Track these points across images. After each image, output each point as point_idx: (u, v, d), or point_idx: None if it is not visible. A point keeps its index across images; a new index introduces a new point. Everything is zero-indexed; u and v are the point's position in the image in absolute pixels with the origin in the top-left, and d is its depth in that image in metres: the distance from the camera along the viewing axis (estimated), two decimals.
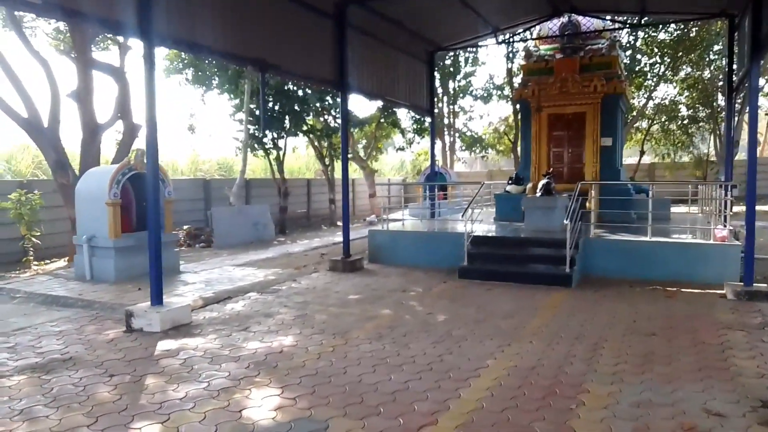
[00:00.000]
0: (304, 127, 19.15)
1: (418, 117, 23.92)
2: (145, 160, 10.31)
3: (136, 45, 16.64)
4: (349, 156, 24.11)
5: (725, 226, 9.46)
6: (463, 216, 9.80)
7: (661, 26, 22.96)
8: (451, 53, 25.58)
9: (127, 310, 6.87)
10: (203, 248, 15.04)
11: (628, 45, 23.59)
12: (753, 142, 8.24)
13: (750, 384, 4.76)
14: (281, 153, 18.80)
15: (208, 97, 19.58)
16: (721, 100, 26.02)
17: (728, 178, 11.00)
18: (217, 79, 18.82)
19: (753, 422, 4.03)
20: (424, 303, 7.99)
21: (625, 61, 20.31)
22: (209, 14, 7.54)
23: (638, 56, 24.40)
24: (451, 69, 26.20)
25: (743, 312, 7.24)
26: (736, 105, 15.99)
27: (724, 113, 24.78)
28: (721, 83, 25.18)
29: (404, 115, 25.57)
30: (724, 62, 23.26)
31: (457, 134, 28.75)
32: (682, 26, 23.01)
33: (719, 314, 7.17)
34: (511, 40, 16.22)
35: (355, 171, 29.89)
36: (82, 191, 10.23)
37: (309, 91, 17.99)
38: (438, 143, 29.01)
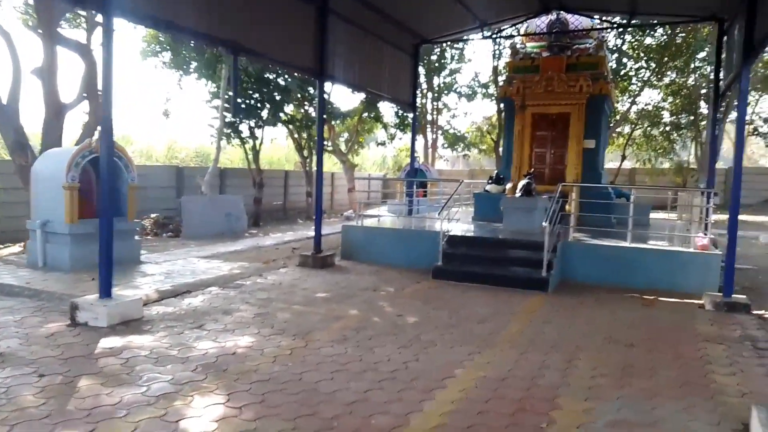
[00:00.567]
0: (283, 117, 18.60)
1: (400, 112, 23.52)
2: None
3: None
4: (329, 149, 23.70)
5: (706, 234, 9.22)
6: (439, 214, 9.42)
7: (648, 30, 22.87)
8: (437, 48, 25.24)
9: (72, 302, 6.36)
10: (171, 238, 14.47)
11: (614, 48, 23.44)
12: (740, 145, 8.00)
13: (731, 404, 4.45)
14: (258, 143, 18.23)
15: (186, 82, 18.86)
16: (703, 108, 26.09)
17: (711, 186, 10.78)
18: (194, 63, 18.19)
19: None
20: (394, 304, 7.60)
21: (611, 64, 20.13)
22: None
23: (624, 60, 24.29)
24: (437, 65, 25.83)
25: (722, 324, 6.98)
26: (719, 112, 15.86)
27: (706, 121, 24.85)
28: (704, 91, 25.23)
29: (387, 110, 25.19)
30: (708, 69, 23.30)
31: (439, 131, 28.41)
32: (669, 31, 22.93)
33: (699, 325, 6.89)
34: (497, 35, 15.88)
35: (335, 165, 29.44)
36: (38, 173, 9.62)
37: (289, 80, 17.44)
38: (420, 140, 28.67)
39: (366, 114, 23.81)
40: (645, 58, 24.38)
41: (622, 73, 24.13)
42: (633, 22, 14.18)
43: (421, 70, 25.76)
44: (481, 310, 7.33)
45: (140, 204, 16.59)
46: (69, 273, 8.93)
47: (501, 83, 17.59)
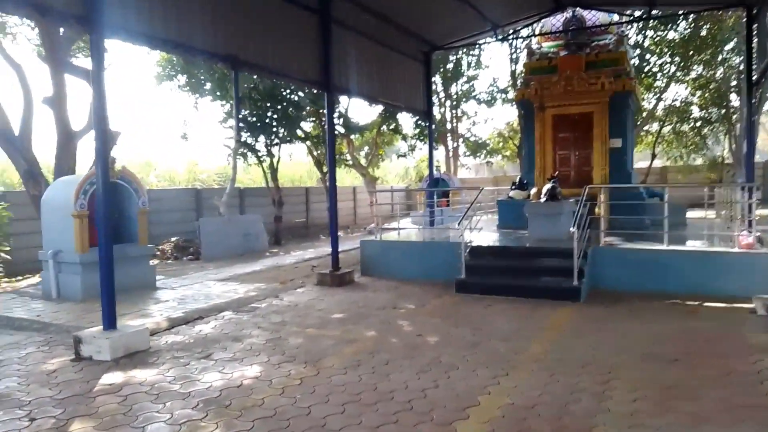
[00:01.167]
0: (300, 134, 18.40)
1: (420, 122, 23.15)
2: (115, 168, 9.71)
3: (112, 47, 15.99)
4: (349, 163, 23.46)
5: (750, 231, 8.55)
6: (459, 224, 8.96)
7: (670, 24, 22.10)
8: (453, 56, 24.87)
9: (75, 336, 6.09)
10: (190, 261, 14.29)
11: (636, 44, 22.70)
12: None
13: None
14: (275, 161, 18.04)
15: (202, 104, 18.84)
16: (735, 101, 25.06)
17: (750, 180, 10.09)
18: (209, 84, 18.16)
19: None
20: (414, 322, 7.16)
21: (634, 61, 19.44)
22: (171, 3, 6.80)
23: (647, 56, 23.50)
24: (452, 73, 25.43)
25: None
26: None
27: (738, 113, 23.84)
28: (734, 83, 24.25)
29: (406, 121, 24.88)
30: (737, 60, 22.37)
31: (460, 139, 27.93)
32: (693, 24, 22.12)
33: (750, 334, 6.27)
34: (511, 37, 15.41)
35: (356, 178, 29.18)
36: (47, 202, 9.50)
37: (302, 95, 17.26)
38: (441, 149, 28.23)
39: (384, 126, 23.52)
40: (669, 52, 23.56)
41: (645, 69, 23.34)
42: (653, 13, 13.57)
43: (437, 78, 25.46)
44: (507, 326, 6.84)
45: (160, 228, 16.66)
46: (81, 303, 8.73)
47: (519, 86, 17.07)
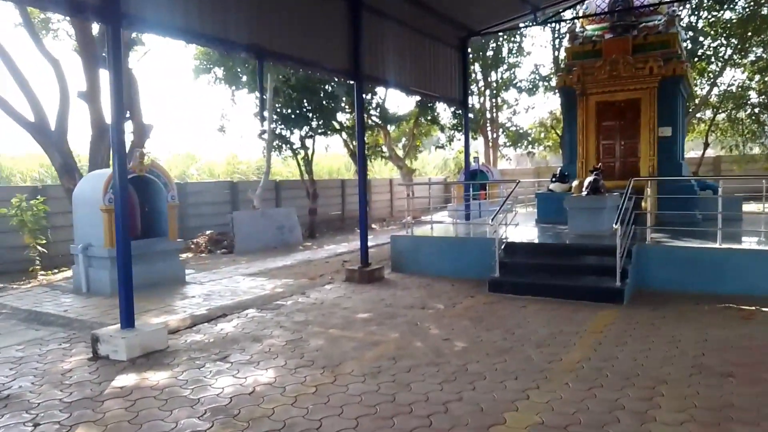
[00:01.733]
0: (335, 126, 18.13)
1: (458, 112, 22.57)
2: (144, 162, 9.64)
3: (150, 40, 16.01)
4: (386, 155, 23.10)
5: None
6: (492, 220, 8.49)
7: (726, 3, 20.75)
8: (493, 43, 24.11)
9: (93, 335, 5.97)
10: (224, 254, 14.26)
11: (688, 26, 21.41)
12: None
13: None
14: (309, 153, 17.85)
15: (239, 96, 18.82)
16: None
17: None
18: (245, 77, 18.08)
19: None
20: (442, 324, 6.77)
21: (685, 44, 18.32)
22: None
23: (700, 38, 22.15)
24: (492, 61, 24.66)
25: None
26: None
27: None
28: None
29: (445, 112, 24.29)
30: None
31: (500, 129, 27.14)
32: (752, 2, 20.70)
33: None
34: (553, 20, 14.65)
35: (392, 170, 28.83)
36: (78, 196, 9.53)
37: (335, 86, 16.97)
38: (480, 140, 27.53)
39: (422, 117, 23.05)
40: (725, 34, 22.14)
41: (698, 53, 22.01)
42: None
43: (476, 66, 24.76)
44: (542, 330, 6.37)
45: (196, 221, 16.74)
46: (109, 298, 8.69)
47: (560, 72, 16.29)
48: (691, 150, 30.09)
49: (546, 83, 25.35)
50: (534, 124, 27.82)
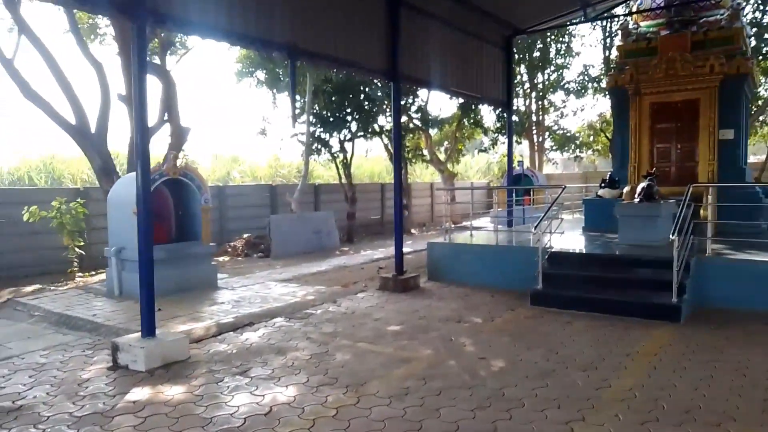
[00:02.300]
0: (375, 129, 17.79)
1: (503, 115, 21.92)
2: (177, 164, 9.53)
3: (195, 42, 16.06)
4: (426, 159, 22.64)
5: None
6: (536, 227, 7.94)
7: None
8: (539, 43, 23.33)
9: (113, 343, 5.79)
10: (260, 258, 14.11)
11: (752, 22, 20.09)
12: None
13: None
14: (348, 156, 17.58)
15: (280, 99, 18.74)
16: None
17: None
18: (286, 79, 17.99)
19: None
20: (478, 341, 6.29)
21: (750, 41, 17.12)
22: None
23: (766, 35, 20.75)
24: (538, 61, 23.85)
25: None
26: None
27: None
28: None
29: (488, 114, 23.67)
30: None
31: (546, 133, 26.24)
32: None
33: None
34: (604, 16, 13.88)
35: (433, 174, 28.33)
36: (112, 199, 9.50)
37: (375, 88, 16.65)
38: (525, 143, 26.72)
39: (464, 120, 22.50)
40: None
41: (764, 51, 20.62)
42: None
43: (522, 68, 24.03)
44: (588, 351, 5.81)
45: (235, 224, 16.71)
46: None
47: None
48: (753, 154, 28.35)
49: (596, 84, 24.35)
50: (582, 127, 26.80)
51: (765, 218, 9.51)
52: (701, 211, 9.17)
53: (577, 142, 26.08)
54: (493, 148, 24.12)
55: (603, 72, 23.65)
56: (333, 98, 16.33)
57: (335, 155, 17.43)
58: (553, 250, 8.56)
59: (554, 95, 25.53)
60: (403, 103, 19.70)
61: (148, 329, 5.80)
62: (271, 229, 14.39)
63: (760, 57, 20.20)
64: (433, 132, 23.10)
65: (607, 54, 23.11)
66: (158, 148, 12.07)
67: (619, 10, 13.12)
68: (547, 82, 25.09)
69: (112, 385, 5.13)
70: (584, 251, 9.06)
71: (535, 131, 25.96)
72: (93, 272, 11.42)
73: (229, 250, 14.78)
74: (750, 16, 20.10)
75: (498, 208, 16.28)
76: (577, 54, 26.19)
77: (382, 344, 6.21)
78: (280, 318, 7.49)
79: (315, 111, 16.46)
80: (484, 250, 9.74)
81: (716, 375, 5.05)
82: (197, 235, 9.88)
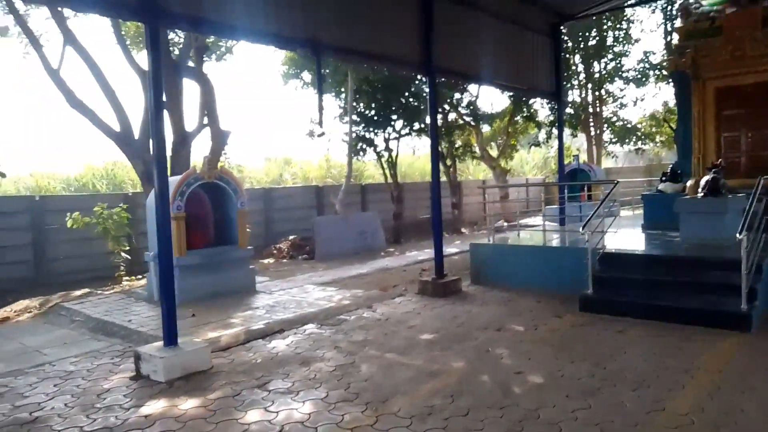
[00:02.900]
0: (420, 126, 17.34)
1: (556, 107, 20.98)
2: (213, 167, 9.45)
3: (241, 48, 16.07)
4: (477, 155, 21.98)
5: None
6: (584, 227, 7.30)
7: None
8: (595, 31, 22.20)
9: (136, 352, 5.67)
10: (305, 260, 13.98)
11: None
12: None
13: None
14: (393, 155, 17.22)
15: (326, 100, 18.64)
16: None
17: None
18: (332, 80, 17.85)
19: None
20: (517, 351, 5.78)
21: None
22: None
23: None
24: (594, 50, 22.69)
25: None
26: None
27: None
28: None
29: (542, 108, 22.72)
30: None
31: (605, 125, 24.96)
32: None
33: None
34: None
35: (485, 171, 27.58)
36: (150, 204, 9.47)
37: (418, 83, 16.22)
38: (581, 136, 25.53)
39: (517, 114, 21.68)
40: None
41: None
42: None
43: (576, 57, 22.97)
44: (641, 365, 5.20)
45: (281, 226, 16.71)
46: (177, 307, 8.51)
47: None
48: None
49: (657, 72, 22.97)
50: (644, 117, 25.34)
51: None
52: None
53: (639, 134, 24.67)
54: (548, 142, 23.13)
55: (665, 58, 22.25)
56: (378, 96, 16.02)
57: (380, 154, 17.11)
58: (605, 250, 7.88)
59: (612, 85, 24.25)
60: (452, 98, 19.20)
61: (170, 338, 5.65)
62: (315, 230, 14.25)
63: None
64: (484, 128, 22.42)
65: (668, 39, 21.72)
66: (199, 152, 12.12)
67: None
68: (604, 72, 23.85)
69: (130, 397, 4.99)
70: (640, 252, 8.32)
71: (592, 123, 24.75)
72: (140, 276, 11.57)
73: (275, 252, 14.75)
74: None
75: (549, 206, 15.51)
76: (637, 41, 24.67)
77: (413, 355, 5.81)
78: (311, 324, 7.22)
79: (358, 110, 16.20)
80: (531, 251, 9.15)
81: None
82: (235, 239, 9.79)
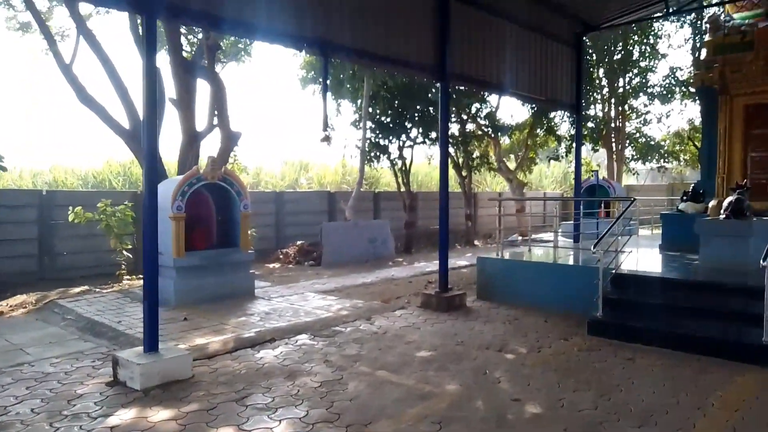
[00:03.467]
0: (435, 135, 17.01)
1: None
2: (218, 168, 9.24)
3: (259, 48, 15.93)
4: (495, 167, 21.56)
5: None
6: (595, 246, 6.89)
7: None
8: (620, 44, 21.68)
9: (114, 357, 5.41)
10: (311, 266, 13.71)
11: None
12: None
13: None
14: (407, 163, 16.90)
15: (343, 105, 18.47)
16: None
17: None
18: (349, 85, 17.62)
19: None
20: (518, 375, 5.40)
21: None
22: None
23: None
24: (619, 65, 22.15)
25: None
26: None
27: None
28: None
29: (563, 122, 22.21)
30: None
31: (627, 141, 24.34)
32: None
33: None
34: (689, 7, 12.38)
35: (499, 183, 27.15)
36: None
37: (435, 92, 15.89)
38: (602, 152, 24.95)
39: (537, 127, 21.23)
40: None
41: None
42: None
43: (600, 72, 22.48)
44: (649, 398, 4.78)
45: (292, 230, 16.49)
46: (172, 309, 8.34)
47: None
48: None
49: (684, 89, 22.33)
50: (668, 134, 24.66)
51: None
52: None
53: (662, 151, 24.00)
54: (567, 156, 22.61)
55: (692, 74, 21.64)
56: (395, 102, 15.74)
57: (394, 162, 16.81)
58: (618, 271, 7.46)
59: (636, 100, 23.64)
60: (470, 108, 18.85)
61: (150, 344, 5.39)
62: (323, 236, 13.98)
63: None
64: (503, 139, 22.00)
65: (696, 55, 21.10)
66: (209, 152, 11.93)
67: (708, 2, 11.65)
68: (628, 87, 23.28)
69: (101, 405, 4.72)
70: (656, 274, 7.86)
71: (614, 139, 24.16)
72: (140, 275, 11.39)
73: (281, 257, 14.51)
74: None
75: (565, 221, 15.04)
76: (664, 56, 24.02)
77: (405, 374, 5.46)
78: (304, 335, 6.91)
79: (374, 116, 15.95)
80: (540, 268, 8.76)
81: None
82: (237, 241, 9.55)
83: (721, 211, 8.06)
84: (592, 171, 19.23)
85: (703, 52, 12.98)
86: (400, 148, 16.58)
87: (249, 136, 51.42)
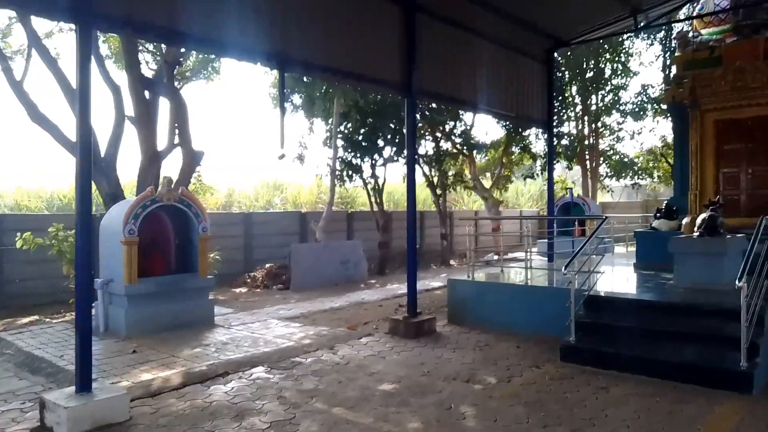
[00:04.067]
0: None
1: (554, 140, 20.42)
2: (175, 189, 8.79)
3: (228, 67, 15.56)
4: (470, 185, 21.36)
5: None
6: (566, 267, 6.58)
7: None
8: (592, 62, 21.81)
9: (41, 399, 4.90)
10: (280, 290, 13.20)
11: None
12: None
13: None
14: (380, 182, 16.57)
15: (316, 124, 18.16)
16: None
17: None
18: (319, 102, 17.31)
19: None
20: (485, 410, 5.01)
21: None
22: None
23: None
24: (590, 82, 22.27)
25: None
26: None
27: None
28: None
29: (538, 140, 22.17)
30: None
31: (601, 158, 24.40)
32: None
33: None
34: (657, 23, 12.35)
35: (475, 202, 26.99)
36: (104, 227, 8.82)
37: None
38: (577, 169, 24.97)
39: (512, 145, 21.14)
40: None
41: None
42: None
43: (573, 89, 22.57)
44: (627, 430, 4.43)
45: (261, 252, 15.96)
46: (122, 341, 7.80)
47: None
48: None
49: (656, 106, 22.49)
50: (641, 152, 24.79)
51: None
52: None
53: (636, 168, 24.09)
54: (542, 174, 22.52)
55: (663, 90, 21.82)
56: (368, 121, 15.45)
57: (366, 181, 16.47)
58: (592, 293, 7.16)
59: (609, 118, 23.77)
60: (444, 126, 18.68)
61: (82, 383, 4.89)
62: (291, 258, 13.51)
63: None
64: (478, 157, 21.86)
65: (666, 72, 21.31)
66: (171, 172, 11.44)
67: (677, 15, 11.63)
68: (601, 104, 23.40)
69: None
70: (630, 295, 7.58)
71: (588, 156, 24.21)
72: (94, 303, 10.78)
73: (249, 280, 13.99)
74: None
75: (542, 239, 14.81)
76: (635, 74, 24.20)
77: (364, 411, 5.04)
78: (261, 367, 6.44)
79: (345, 134, 15.64)
80: (512, 290, 8.42)
81: None
82: (195, 266, 9.07)
83: (695, 229, 7.84)
84: (567, 188, 19.15)
85: (674, 69, 13.03)
86: (373, 167, 16.26)
87: (223, 156, 50.76)
